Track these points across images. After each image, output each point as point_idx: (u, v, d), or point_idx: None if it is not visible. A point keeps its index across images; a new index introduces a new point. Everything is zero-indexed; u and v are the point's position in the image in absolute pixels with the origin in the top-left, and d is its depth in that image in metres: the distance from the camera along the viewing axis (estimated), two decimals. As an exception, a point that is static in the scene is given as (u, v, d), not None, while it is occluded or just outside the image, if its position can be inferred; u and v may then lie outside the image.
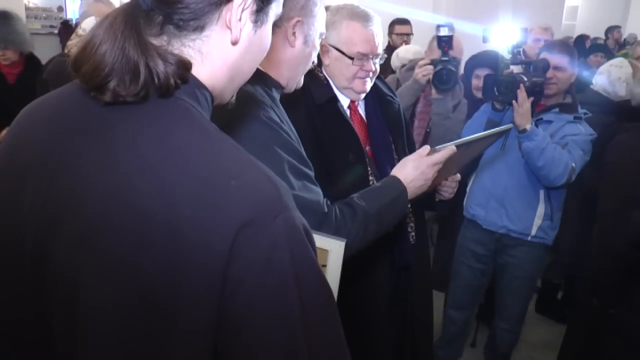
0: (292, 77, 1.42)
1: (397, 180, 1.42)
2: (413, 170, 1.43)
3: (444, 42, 2.41)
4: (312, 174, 1.34)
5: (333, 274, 1.00)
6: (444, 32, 2.39)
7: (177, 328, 0.66)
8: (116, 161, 0.69)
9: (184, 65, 0.73)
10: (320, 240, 0.97)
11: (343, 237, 1.23)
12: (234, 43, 0.78)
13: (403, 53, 3.57)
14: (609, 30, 7.88)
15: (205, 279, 0.65)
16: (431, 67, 2.49)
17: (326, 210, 1.28)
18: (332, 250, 0.98)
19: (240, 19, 0.76)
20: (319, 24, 1.40)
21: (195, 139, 0.70)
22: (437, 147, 1.47)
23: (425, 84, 2.60)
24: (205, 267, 0.65)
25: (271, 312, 0.67)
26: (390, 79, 3.08)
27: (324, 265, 0.99)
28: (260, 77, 1.33)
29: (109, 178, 0.68)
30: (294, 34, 1.35)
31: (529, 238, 2.52)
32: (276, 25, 1.27)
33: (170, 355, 0.66)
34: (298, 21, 1.34)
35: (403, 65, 3.50)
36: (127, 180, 0.67)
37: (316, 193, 1.31)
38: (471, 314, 2.91)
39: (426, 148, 1.47)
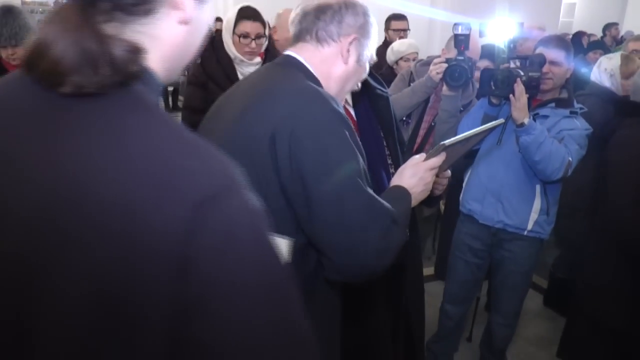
0: (339, 93, 1.45)
1: (404, 190, 1.44)
2: (411, 177, 1.46)
3: (460, 41, 2.42)
4: (368, 178, 1.34)
5: None
6: (460, 30, 2.40)
7: (134, 312, 0.65)
8: (67, 145, 0.68)
9: (138, 52, 0.72)
10: None
11: (394, 245, 1.28)
12: (184, 22, 0.77)
13: (397, 46, 3.56)
14: (607, 27, 7.89)
15: (160, 261, 0.64)
16: (445, 65, 2.50)
17: (392, 219, 1.28)
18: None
19: None
20: (372, 45, 1.44)
21: (148, 123, 0.70)
22: (430, 151, 1.49)
23: (438, 82, 2.60)
24: (160, 249, 0.64)
25: (228, 294, 0.66)
26: (404, 72, 3.07)
27: None
28: (315, 81, 1.36)
29: (58, 162, 0.67)
30: (348, 50, 1.39)
31: (525, 233, 2.52)
32: (333, 39, 1.37)
33: (129, 340, 0.65)
34: (355, 39, 1.39)
35: (399, 59, 3.49)
36: (77, 164, 0.66)
37: (384, 201, 1.31)
38: (467, 309, 2.92)
39: (422, 155, 1.50)
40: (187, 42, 0.80)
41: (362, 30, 1.40)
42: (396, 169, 1.80)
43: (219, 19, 10.22)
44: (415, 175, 1.46)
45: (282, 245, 0.95)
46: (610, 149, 2.34)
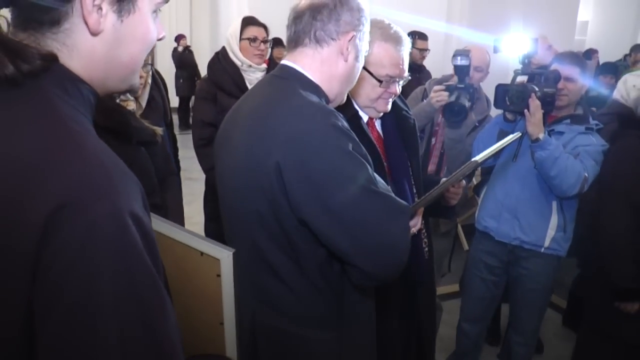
0: (340, 92, 1.45)
1: None
2: None
3: (460, 70, 2.47)
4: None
5: (227, 284, 1.00)
6: (458, 62, 2.43)
7: None
8: None
9: (44, 57, 0.75)
10: (211, 249, 0.98)
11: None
12: (94, 34, 0.79)
13: None
14: (634, 49, 7.75)
15: (18, 259, 0.65)
16: (446, 94, 2.51)
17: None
18: (222, 259, 0.97)
19: (100, 9, 0.77)
20: (366, 39, 1.44)
21: (40, 119, 0.72)
22: (461, 168, 1.54)
23: (438, 108, 2.61)
24: (19, 247, 0.65)
25: (77, 303, 0.65)
26: (418, 90, 3.09)
27: (219, 275, 0.98)
28: (315, 89, 1.37)
29: None
30: (347, 48, 1.37)
31: (542, 250, 2.49)
32: (332, 38, 1.35)
33: None
34: (353, 36, 1.37)
35: None
36: None
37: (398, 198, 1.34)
38: (484, 327, 2.88)
39: None
40: (112, 52, 0.82)
41: (359, 26, 1.38)
42: (417, 188, 1.82)
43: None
44: None
45: (226, 256, 0.96)
46: (609, 157, 2.38)
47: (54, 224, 0.64)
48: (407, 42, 1.70)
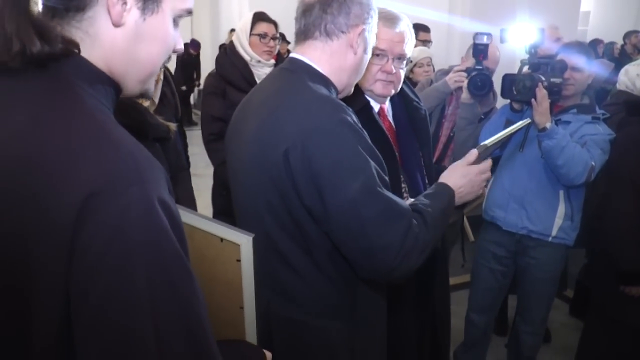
0: (348, 84, 1.46)
1: (447, 187, 1.45)
2: (461, 177, 1.46)
3: (480, 51, 2.46)
4: (388, 181, 1.34)
5: (247, 268, 1.00)
6: (481, 40, 2.43)
7: (30, 295, 0.68)
8: None
9: (66, 41, 0.76)
10: (231, 234, 0.99)
11: (420, 243, 1.27)
12: (116, 25, 0.80)
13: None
14: (627, 35, 7.75)
15: (53, 245, 0.67)
16: (464, 74, 2.52)
17: (413, 219, 1.29)
18: (242, 245, 0.98)
19: (125, 3, 0.79)
20: (374, 31, 1.44)
21: (67, 110, 0.73)
22: (479, 147, 1.48)
23: (453, 90, 2.61)
24: (53, 233, 0.67)
25: (113, 284, 0.67)
26: (424, 81, 3.09)
27: (239, 260, 1.00)
28: (324, 81, 1.37)
29: None
30: (357, 41, 1.38)
31: (550, 239, 2.50)
32: (342, 31, 1.36)
33: (26, 320, 0.69)
34: (363, 29, 1.38)
35: (413, 66, 3.49)
36: None
37: (402, 201, 1.32)
38: (493, 317, 2.89)
39: (474, 153, 1.49)
40: (132, 49, 0.82)
41: (368, 19, 1.39)
42: (429, 178, 1.82)
43: (232, 30, 10.36)
44: (466, 176, 1.47)
45: (246, 241, 0.97)
46: (615, 144, 2.41)
47: (87, 212, 0.66)
48: (401, 23, 1.70)
